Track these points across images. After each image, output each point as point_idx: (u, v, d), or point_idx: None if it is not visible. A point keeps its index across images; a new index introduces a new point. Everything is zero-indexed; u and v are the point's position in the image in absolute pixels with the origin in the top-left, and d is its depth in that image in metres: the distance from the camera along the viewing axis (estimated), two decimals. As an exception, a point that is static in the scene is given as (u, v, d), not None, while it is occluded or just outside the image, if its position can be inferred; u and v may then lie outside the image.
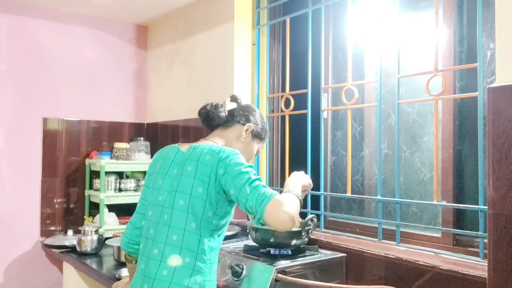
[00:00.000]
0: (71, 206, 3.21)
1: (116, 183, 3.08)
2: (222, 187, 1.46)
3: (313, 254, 1.95)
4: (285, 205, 1.37)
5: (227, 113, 1.70)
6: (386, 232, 2.05)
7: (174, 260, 1.44)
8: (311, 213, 2.27)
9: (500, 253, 1.34)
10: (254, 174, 1.45)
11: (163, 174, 1.57)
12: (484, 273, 1.51)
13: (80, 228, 2.75)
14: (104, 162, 2.99)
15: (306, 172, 2.37)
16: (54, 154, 3.15)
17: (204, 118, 1.70)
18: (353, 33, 2.24)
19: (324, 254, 1.97)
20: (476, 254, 1.74)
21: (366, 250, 1.93)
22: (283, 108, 2.54)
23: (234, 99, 1.77)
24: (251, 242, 2.06)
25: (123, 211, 3.11)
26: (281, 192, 1.51)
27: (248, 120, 1.72)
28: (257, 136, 1.75)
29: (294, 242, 1.91)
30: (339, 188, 2.43)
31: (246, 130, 1.70)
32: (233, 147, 1.62)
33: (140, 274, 1.50)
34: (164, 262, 1.44)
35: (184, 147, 1.60)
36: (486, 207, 1.46)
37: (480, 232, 1.70)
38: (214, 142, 1.63)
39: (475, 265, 1.65)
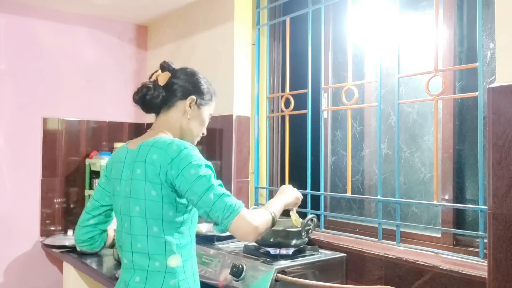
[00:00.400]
0: (71, 206, 3.21)
1: (116, 183, 3.08)
2: (176, 188, 1.37)
3: (313, 254, 1.95)
4: (252, 219, 1.32)
5: (163, 92, 1.52)
6: (386, 232, 2.05)
7: (174, 261, 1.42)
8: (311, 213, 2.27)
9: (500, 253, 1.34)
10: (215, 178, 1.36)
11: (118, 179, 1.49)
12: (484, 273, 1.51)
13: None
14: (104, 162, 2.99)
15: (306, 172, 2.38)
16: (54, 154, 3.15)
17: (142, 105, 1.54)
18: (353, 33, 2.24)
19: (324, 254, 1.97)
20: (476, 254, 1.74)
21: (366, 250, 1.93)
22: (283, 108, 2.54)
23: (166, 67, 1.56)
24: (251, 242, 2.06)
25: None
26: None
27: (188, 92, 1.53)
28: (203, 104, 1.57)
29: (294, 242, 1.91)
30: (339, 188, 2.43)
31: (190, 104, 1.53)
32: (184, 126, 1.53)
33: (120, 279, 1.51)
34: (137, 270, 1.42)
35: (132, 145, 1.51)
36: (486, 207, 1.46)
37: (480, 232, 1.70)
38: (161, 131, 1.50)
39: (475, 265, 1.65)
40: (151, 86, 1.53)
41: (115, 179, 1.51)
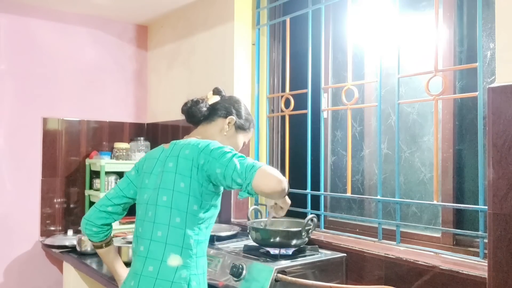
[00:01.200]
0: (71, 206, 3.21)
1: (116, 183, 3.07)
2: (206, 174, 1.45)
3: (313, 254, 1.95)
4: (274, 171, 1.37)
5: (208, 108, 1.68)
6: (386, 232, 2.05)
7: (174, 261, 1.44)
8: (311, 213, 2.27)
9: (500, 253, 1.34)
10: (234, 153, 1.45)
11: (149, 173, 1.58)
12: (484, 273, 1.51)
13: (80, 228, 2.75)
14: (104, 162, 2.99)
15: (306, 172, 2.38)
16: (54, 154, 3.15)
17: (186, 115, 1.69)
18: (353, 33, 2.24)
19: (324, 254, 1.96)
20: (476, 254, 1.74)
21: (366, 250, 1.93)
22: (283, 108, 2.54)
23: (216, 92, 1.74)
24: (251, 242, 2.06)
25: (123, 211, 3.11)
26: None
27: (230, 113, 1.69)
28: (240, 127, 1.72)
29: (294, 242, 1.91)
30: (339, 188, 2.43)
31: (228, 123, 1.68)
32: (217, 141, 1.60)
33: (130, 271, 1.54)
34: (150, 258, 1.46)
35: (167, 146, 1.62)
36: (486, 207, 1.46)
37: (480, 232, 1.70)
38: (196, 138, 1.62)
39: (475, 265, 1.65)
40: (200, 101, 1.68)
41: (146, 173, 1.60)
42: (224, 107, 1.70)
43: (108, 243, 1.78)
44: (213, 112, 1.69)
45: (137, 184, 1.65)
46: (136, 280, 1.46)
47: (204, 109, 1.67)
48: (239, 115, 1.71)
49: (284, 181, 1.38)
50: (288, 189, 1.44)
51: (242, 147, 1.77)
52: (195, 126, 1.72)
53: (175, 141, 1.60)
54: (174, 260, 1.45)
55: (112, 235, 1.79)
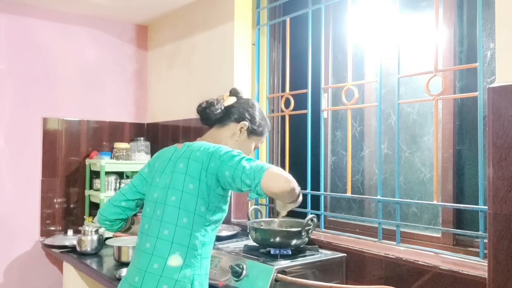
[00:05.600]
0: (71, 206, 3.21)
1: (116, 183, 3.08)
2: (216, 178, 1.46)
3: (313, 254, 1.95)
4: (282, 172, 1.38)
5: (222, 110, 1.66)
6: (386, 232, 2.05)
7: (175, 261, 1.44)
8: (311, 213, 2.27)
9: (500, 253, 1.34)
10: (243, 157, 1.45)
11: (160, 172, 1.59)
12: (484, 273, 1.51)
13: (80, 228, 2.75)
14: (104, 162, 2.99)
15: (306, 172, 2.38)
16: (54, 154, 3.15)
17: (201, 116, 1.68)
18: (353, 33, 2.24)
19: (324, 254, 1.97)
20: (476, 254, 1.74)
21: (366, 250, 1.93)
22: (283, 108, 2.54)
23: (234, 93, 1.73)
24: (251, 242, 2.06)
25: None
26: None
27: (243, 118, 1.67)
28: (253, 132, 1.71)
29: (294, 242, 1.91)
30: (339, 188, 2.43)
31: (241, 128, 1.67)
32: (229, 146, 1.60)
33: (133, 267, 1.53)
34: (156, 256, 1.46)
35: (180, 146, 1.63)
36: (486, 207, 1.46)
37: (480, 232, 1.70)
38: (208, 141, 1.62)
39: (475, 265, 1.65)
40: (215, 102, 1.66)
41: (157, 171, 1.61)
42: (238, 111, 1.68)
43: (129, 228, 1.80)
44: (227, 115, 1.67)
45: (149, 180, 1.66)
46: (140, 276, 1.47)
47: (218, 111, 1.65)
48: (252, 120, 1.69)
49: (293, 181, 1.38)
50: (298, 190, 1.45)
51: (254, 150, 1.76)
52: (209, 128, 1.71)
53: (188, 142, 1.60)
54: (176, 260, 1.45)
55: (131, 220, 1.80)
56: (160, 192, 1.55)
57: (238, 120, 1.67)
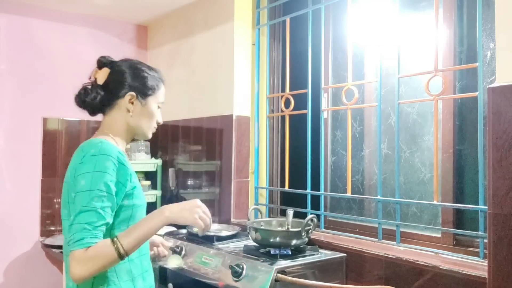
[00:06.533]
0: (71, 206, 3.21)
1: (116, 183, 3.08)
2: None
3: (313, 254, 1.95)
4: (84, 264, 1.21)
5: (101, 92, 1.42)
6: (386, 232, 2.05)
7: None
8: (311, 213, 2.27)
9: (500, 253, 1.34)
10: (94, 201, 1.25)
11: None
12: (484, 273, 1.51)
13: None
14: (104, 162, 2.99)
15: (306, 172, 2.38)
16: (54, 154, 3.15)
17: (83, 108, 1.46)
18: (353, 33, 2.24)
19: (324, 254, 1.96)
20: (476, 254, 1.74)
21: (366, 250, 1.93)
22: (283, 108, 2.54)
23: (101, 64, 1.47)
24: (251, 242, 2.06)
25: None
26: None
27: (127, 88, 1.44)
28: (146, 95, 1.47)
29: (294, 242, 1.91)
30: (339, 188, 2.43)
31: (130, 100, 1.44)
32: (131, 124, 1.45)
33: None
34: (69, 275, 1.29)
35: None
36: (486, 207, 1.46)
37: (480, 232, 1.70)
38: (103, 133, 1.45)
39: (475, 265, 1.65)
40: (89, 87, 1.44)
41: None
42: (118, 83, 1.43)
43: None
44: (108, 94, 1.44)
45: None
46: None
47: (97, 95, 1.42)
48: (139, 86, 1.45)
49: (86, 275, 1.22)
50: (109, 265, 1.26)
51: (163, 105, 1.57)
52: (103, 115, 1.49)
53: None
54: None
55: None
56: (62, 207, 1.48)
57: (122, 95, 1.43)
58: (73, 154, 1.41)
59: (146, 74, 1.48)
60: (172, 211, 1.34)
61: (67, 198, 1.36)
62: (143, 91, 1.46)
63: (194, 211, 1.36)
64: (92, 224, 1.23)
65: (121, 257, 1.25)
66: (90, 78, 1.48)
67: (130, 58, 1.54)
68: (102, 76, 1.45)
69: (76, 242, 1.21)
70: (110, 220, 1.29)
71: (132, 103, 1.45)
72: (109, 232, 1.32)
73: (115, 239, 1.26)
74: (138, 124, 1.48)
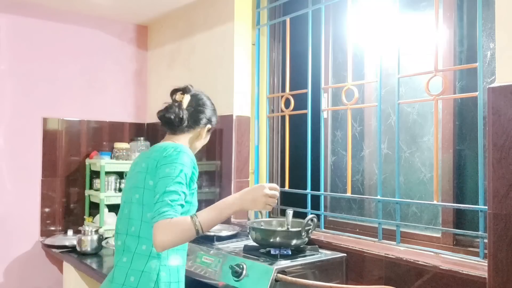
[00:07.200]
0: (71, 206, 3.21)
1: (116, 183, 3.08)
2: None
3: (313, 254, 1.95)
4: (167, 233, 1.38)
5: (186, 116, 1.69)
6: (386, 232, 2.05)
7: (141, 254, 1.53)
8: (311, 213, 2.27)
9: (500, 253, 1.34)
10: (183, 184, 1.48)
11: (129, 176, 1.71)
12: (484, 273, 1.51)
13: (80, 228, 2.75)
14: (104, 162, 2.99)
15: (306, 172, 2.38)
16: (54, 154, 3.15)
17: (165, 123, 1.71)
18: (353, 33, 2.24)
19: (324, 254, 1.96)
20: (476, 254, 1.74)
21: (366, 250, 1.93)
22: (283, 108, 2.54)
23: (187, 91, 1.75)
24: (251, 242, 2.06)
25: (123, 211, 3.11)
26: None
27: (207, 121, 1.75)
28: (212, 126, 1.80)
29: (294, 242, 1.91)
30: (339, 188, 2.43)
31: (208, 131, 1.77)
32: (192, 145, 1.73)
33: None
34: (125, 251, 1.58)
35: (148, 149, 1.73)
36: (486, 207, 1.46)
37: (480, 232, 1.70)
38: (171, 141, 1.69)
39: (475, 265, 1.65)
40: (176, 108, 1.69)
41: (127, 177, 1.74)
42: (201, 114, 1.73)
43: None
44: (194, 122, 1.72)
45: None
46: (112, 271, 1.61)
47: (183, 117, 1.68)
48: (212, 119, 1.78)
49: (168, 244, 1.40)
50: (186, 239, 1.45)
51: None
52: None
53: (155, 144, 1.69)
54: (143, 253, 1.54)
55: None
56: (127, 192, 1.65)
57: (204, 125, 1.74)
58: (150, 150, 1.65)
59: (214, 109, 1.80)
60: (246, 199, 1.53)
61: (143, 184, 1.57)
62: (213, 123, 1.78)
63: (263, 200, 1.53)
64: (174, 201, 1.44)
65: (197, 232, 1.43)
66: (172, 96, 1.75)
67: (199, 92, 1.80)
68: (186, 101, 1.72)
69: (161, 214, 1.40)
70: (183, 203, 1.49)
71: (208, 132, 1.77)
72: None
73: (194, 216, 1.44)
74: (197, 147, 1.78)
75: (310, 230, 1.93)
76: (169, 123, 1.69)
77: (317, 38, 2.39)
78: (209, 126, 1.76)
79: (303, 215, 2.27)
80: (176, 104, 1.70)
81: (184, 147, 1.60)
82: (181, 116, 1.67)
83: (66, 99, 3.21)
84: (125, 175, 3.19)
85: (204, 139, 1.79)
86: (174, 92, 1.76)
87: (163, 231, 1.38)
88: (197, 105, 1.73)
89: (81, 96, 3.27)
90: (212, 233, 2.19)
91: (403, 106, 2.10)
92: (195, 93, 1.77)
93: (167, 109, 1.69)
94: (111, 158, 3.12)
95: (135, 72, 3.54)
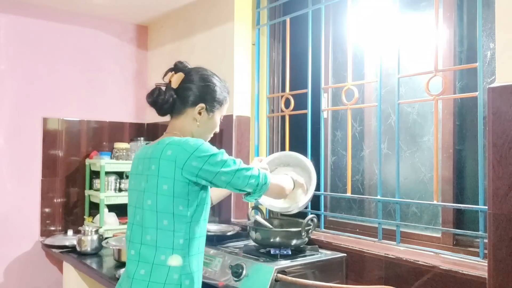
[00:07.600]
0: (71, 206, 3.21)
1: (116, 183, 3.08)
2: (197, 177, 1.41)
3: (313, 254, 1.95)
4: (282, 183, 1.63)
5: (174, 96, 1.52)
6: (386, 232, 2.05)
7: (174, 261, 1.43)
8: (311, 213, 2.27)
9: (500, 253, 1.34)
10: (233, 160, 1.46)
11: (134, 174, 1.57)
12: (484, 273, 1.51)
13: (80, 228, 2.75)
14: (104, 162, 2.99)
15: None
16: (54, 154, 3.15)
17: (154, 108, 1.55)
18: (353, 33, 2.24)
19: (324, 254, 1.97)
20: (476, 254, 1.74)
21: (366, 250, 1.93)
22: (283, 108, 2.54)
23: (177, 69, 1.57)
24: (251, 242, 2.06)
25: (123, 211, 3.05)
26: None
27: (199, 99, 1.53)
28: (214, 107, 1.57)
29: (294, 242, 1.91)
30: (339, 188, 2.43)
31: (198, 111, 1.54)
32: (194, 132, 1.55)
33: (124, 275, 1.52)
34: (142, 262, 1.44)
35: (151, 144, 1.56)
36: (486, 207, 1.46)
37: (480, 232, 1.70)
38: (175, 134, 1.53)
39: (475, 265, 1.65)
40: (163, 89, 1.54)
41: (131, 174, 1.60)
42: (192, 93, 1.53)
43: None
44: (180, 101, 1.53)
45: (129, 185, 1.64)
46: (128, 284, 1.45)
47: (170, 98, 1.51)
48: (210, 98, 1.55)
49: (287, 188, 1.68)
50: (289, 188, 1.72)
51: (221, 120, 1.65)
52: (170, 117, 1.60)
53: (158, 140, 1.52)
54: (162, 264, 1.42)
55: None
56: (136, 196, 1.51)
57: (194, 104, 1.53)
58: (153, 149, 1.49)
59: (216, 88, 1.58)
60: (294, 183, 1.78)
61: (155, 189, 1.44)
62: (212, 104, 1.56)
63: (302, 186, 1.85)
64: (250, 169, 1.48)
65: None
66: (163, 78, 1.57)
67: (203, 67, 1.63)
68: (176, 80, 1.54)
69: (263, 177, 1.50)
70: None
71: (200, 113, 1.54)
72: (189, 225, 1.45)
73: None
74: (200, 133, 1.57)
75: (310, 230, 1.93)
76: (156, 108, 1.54)
77: (317, 38, 2.39)
78: (201, 105, 1.53)
79: (303, 215, 2.27)
80: (164, 85, 1.54)
81: (194, 138, 1.46)
82: (163, 97, 1.50)
83: (66, 99, 3.21)
84: (125, 175, 3.19)
85: (205, 124, 1.56)
86: (165, 73, 1.58)
87: (282, 183, 1.63)
88: (184, 82, 1.54)
89: (81, 96, 3.27)
90: (212, 233, 2.19)
91: (403, 106, 2.10)
92: (189, 70, 1.58)
93: (152, 92, 1.54)
94: (111, 158, 3.12)
95: (135, 72, 3.54)
